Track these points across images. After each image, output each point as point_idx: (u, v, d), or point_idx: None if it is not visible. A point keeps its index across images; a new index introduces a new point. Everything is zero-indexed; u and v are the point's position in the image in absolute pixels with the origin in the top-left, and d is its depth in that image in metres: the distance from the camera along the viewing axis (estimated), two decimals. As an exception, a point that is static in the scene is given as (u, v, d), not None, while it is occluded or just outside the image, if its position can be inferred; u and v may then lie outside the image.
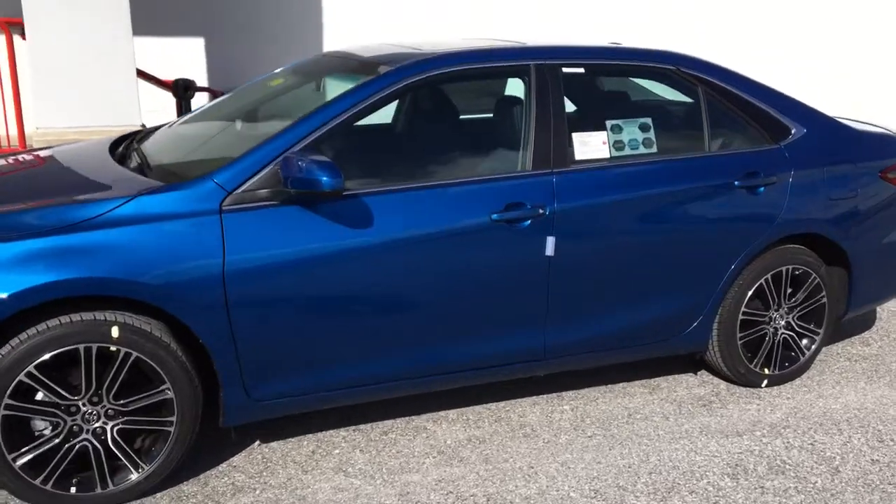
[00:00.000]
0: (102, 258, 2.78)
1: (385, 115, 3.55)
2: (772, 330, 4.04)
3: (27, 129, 6.33)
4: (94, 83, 5.89)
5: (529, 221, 3.37)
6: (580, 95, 3.79)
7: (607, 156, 3.58)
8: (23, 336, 2.75)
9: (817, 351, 4.19)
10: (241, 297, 2.95)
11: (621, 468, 3.34)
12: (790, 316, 4.05)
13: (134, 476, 2.98)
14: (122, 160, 3.52)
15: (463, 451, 3.45)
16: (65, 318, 2.78)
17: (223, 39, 8.60)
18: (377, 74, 3.29)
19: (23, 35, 5.94)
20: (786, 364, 4.11)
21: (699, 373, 4.25)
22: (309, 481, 3.20)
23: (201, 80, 8.34)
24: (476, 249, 3.30)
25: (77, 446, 2.89)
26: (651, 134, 3.68)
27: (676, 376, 4.22)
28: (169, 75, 7.53)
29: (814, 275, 4.02)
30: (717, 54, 9.84)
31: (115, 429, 2.92)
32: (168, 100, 7.55)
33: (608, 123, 3.61)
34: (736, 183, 3.74)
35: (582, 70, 3.63)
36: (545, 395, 3.96)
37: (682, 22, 9.97)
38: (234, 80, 6.80)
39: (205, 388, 3.08)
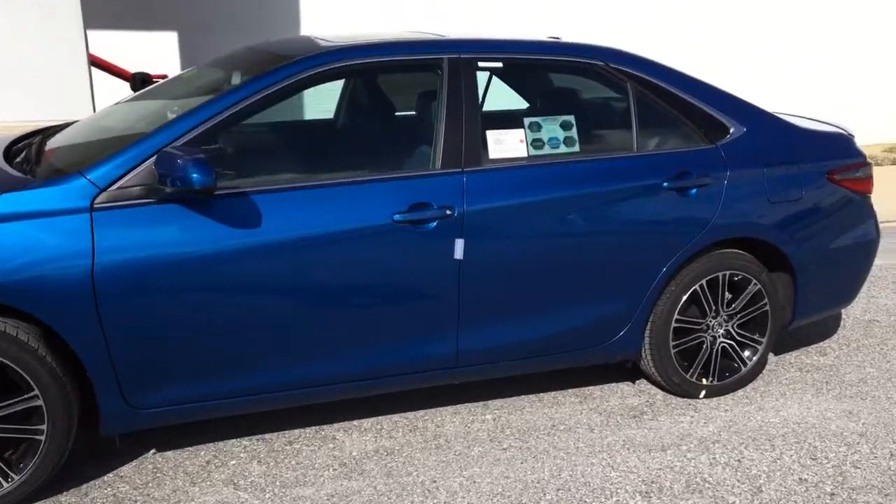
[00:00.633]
0: (-37, 259, 2.65)
1: (287, 109, 3.39)
2: (709, 338, 3.84)
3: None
4: (44, 77, 5.80)
5: (436, 223, 3.20)
6: (499, 91, 3.62)
7: (524, 155, 3.41)
8: None
9: (761, 361, 3.99)
10: (112, 299, 2.81)
11: (529, 483, 3.17)
12: (730, 324, 3.86)
13: (4, 486, 2.85)
14: (15, 157, 3.39)
15: (366, 464, 3.29)
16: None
17: (199, 32, 8.48)
18: (272, 68, 3.14)
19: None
20: (726, 374, 3.91)
21: (637, 382, 4.06)
22: (195, 494, 3.06)
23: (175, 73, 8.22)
24: (377, 251, 3.14)
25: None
26: (573, 132, 3.50)
27: (613, 385, 4.04)
28: (146, 70, 7.40)
29: (754, 281, 3.82)
30: (716, 54, 9.74)
31: (-17, 437, 2.80)
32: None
33: (526, 121, 3.43)
34: (664, 184, 3.55)
35: (499, 64, 3.46)
36: (469, 404, 3.80)
37: (682, 22, 9.77)
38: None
39: (86, 395, 2.95)
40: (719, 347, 3.86)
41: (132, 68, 7.19)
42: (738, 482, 3.21)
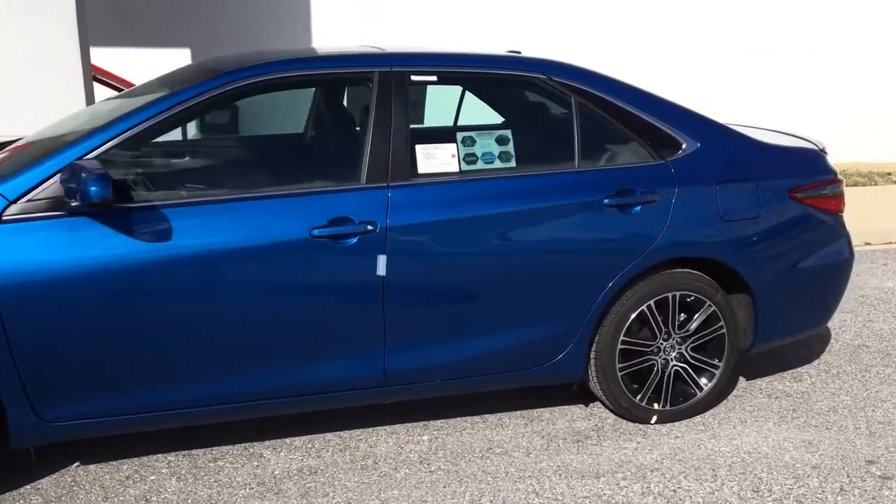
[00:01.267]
0: None
1: (212, 123, 3.38)
2: (661, 361, 3.69)
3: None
4: (40, 92, 5.92)
5: (357, 238, 3.14)
6: (433, 106, 3.55)
7: (456, 170, 3.33)
8: None
9: (719, 386, 3.82)
10: (17, 312, 2.81)
11: (445, 509, 3.07)
12: (683, 347, 3.70)
13: (-89, 495, 2.87)
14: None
15: (285, 484, 3.23)
16: None
17: (212, 48, 8.60)
18: (190, 84, 3.13)
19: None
20: (680, 399, 3.76)
21: (591, 405, 3.93)
22: (104, 509, 3.05)
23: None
24: (295, 266, 3.10)
25: None
26: (509, 147, 3.40)
27: (564, 408, 3.91)
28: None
29: (708, 302, 3.66)
30: (716, 55, 9.47)
31: None
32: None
33: (459, 136, 3.36)
34: (605, 201, 3.43)
35: (434, 78, 3.39)
36: (407, 424, 3.71)
37: (682, 22, 9.57)
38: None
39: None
40: (671, 371, 3.71)
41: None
42: (666, 514, 3.06)
